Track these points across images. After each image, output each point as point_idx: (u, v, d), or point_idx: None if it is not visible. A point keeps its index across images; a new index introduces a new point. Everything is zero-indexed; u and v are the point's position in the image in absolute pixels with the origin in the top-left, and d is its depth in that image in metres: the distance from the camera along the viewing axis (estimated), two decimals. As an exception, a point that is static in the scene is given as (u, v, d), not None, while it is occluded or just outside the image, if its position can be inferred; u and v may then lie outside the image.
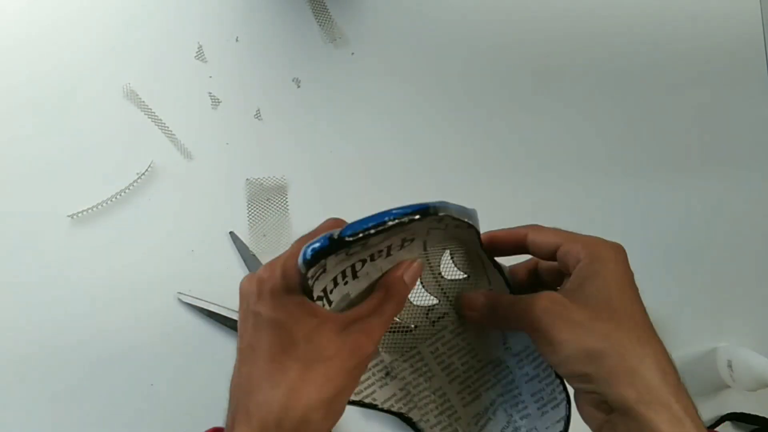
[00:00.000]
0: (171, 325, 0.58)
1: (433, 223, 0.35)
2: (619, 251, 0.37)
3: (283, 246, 0.60)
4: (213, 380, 0.58)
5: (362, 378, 0.38)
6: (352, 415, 0.59)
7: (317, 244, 0.30)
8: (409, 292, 0.37)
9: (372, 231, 0.30)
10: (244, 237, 0.60)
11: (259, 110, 0.63)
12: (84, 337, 0.57)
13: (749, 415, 0.63)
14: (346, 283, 0.35)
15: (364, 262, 0.35)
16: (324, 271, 0.33)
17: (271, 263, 0.35)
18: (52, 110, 0.59)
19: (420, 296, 0.41)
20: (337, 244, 0.30)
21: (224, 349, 0.58)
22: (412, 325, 0.41)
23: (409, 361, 0.41)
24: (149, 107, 0.60)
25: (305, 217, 0.61)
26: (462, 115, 0.66)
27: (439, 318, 0.41)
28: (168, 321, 0.58)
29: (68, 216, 0.58)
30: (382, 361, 0.40)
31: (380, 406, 0.39)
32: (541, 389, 0.39)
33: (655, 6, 0.72)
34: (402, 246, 0.37)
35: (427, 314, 0.41)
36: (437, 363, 0.41)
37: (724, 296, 0.68)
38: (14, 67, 0.60)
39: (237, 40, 0.63)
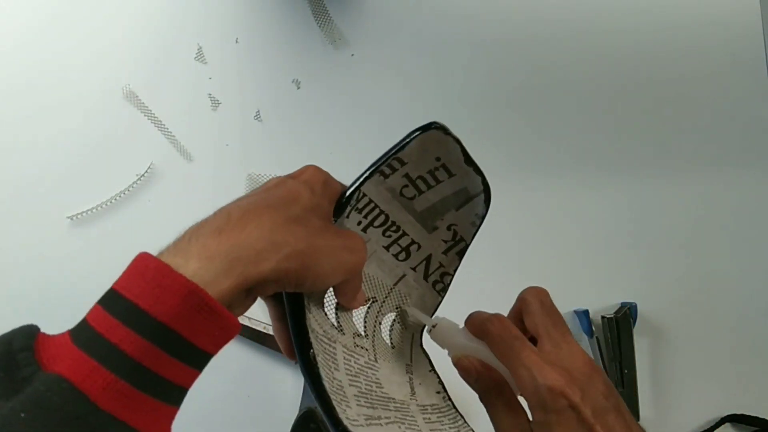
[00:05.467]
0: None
1: (411, 272, 0.40)
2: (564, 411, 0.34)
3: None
4: (213, 381, 0.58)
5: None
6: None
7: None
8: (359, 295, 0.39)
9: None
10: (243, 238, 0.60)
11: (258, 111, 0.63)
12: (84, 338, 0.57)
13: (749, 416, 0.63)
14: (365, 229, 0.39)
15: (385, 227, 0.39)
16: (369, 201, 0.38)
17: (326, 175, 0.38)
18: (51, 111, 0.59)
19: (358, 317, 0.42)
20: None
21: (224, 350, 0.58)
22: (336, 325, 0.41)
23: (322, 344, 0.39)
24: (149, 108, 0.60)
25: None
26: (462, 115, 0.66)
27: (359, 347, 0.41)
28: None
29: (68, 217, 0.58)
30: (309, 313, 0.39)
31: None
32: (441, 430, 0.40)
33: (656, 6, 0.72)
34: (400, 251, 0.40)
35: (354, 336, 0.41)
36: (344, 365, 0.40)
37: (721, 298, 0.68)
38: (14, 69, 0.60)
39: (237, 42, 0.63)
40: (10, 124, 0.59)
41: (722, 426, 0.63)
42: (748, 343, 0.66)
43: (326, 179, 0.37)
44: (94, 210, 0.58)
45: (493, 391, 0.38)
